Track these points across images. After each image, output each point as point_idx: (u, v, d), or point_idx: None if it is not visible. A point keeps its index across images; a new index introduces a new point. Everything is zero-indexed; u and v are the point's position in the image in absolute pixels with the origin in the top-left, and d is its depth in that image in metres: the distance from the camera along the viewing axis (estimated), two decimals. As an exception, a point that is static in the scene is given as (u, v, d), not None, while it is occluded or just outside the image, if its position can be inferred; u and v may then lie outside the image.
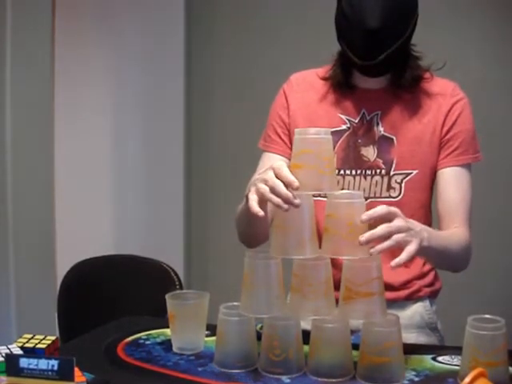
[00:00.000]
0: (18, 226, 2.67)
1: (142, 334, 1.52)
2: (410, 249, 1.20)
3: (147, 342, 1.47)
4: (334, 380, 1.24)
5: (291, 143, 1.52)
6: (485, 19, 2.95)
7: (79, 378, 1.17)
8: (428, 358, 1.34)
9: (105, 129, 3.38)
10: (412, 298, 1.56)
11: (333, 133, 1.42)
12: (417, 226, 1.25)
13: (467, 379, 1.07)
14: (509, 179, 2.99)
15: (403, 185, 1.47)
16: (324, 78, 1.54)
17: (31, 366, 1.14)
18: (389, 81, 1.49)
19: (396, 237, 1.19)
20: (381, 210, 1.21)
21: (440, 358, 1.34)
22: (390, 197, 1.48)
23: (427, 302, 1.59)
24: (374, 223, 1.20)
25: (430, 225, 1.53)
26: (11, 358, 1.16)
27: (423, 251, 1.25)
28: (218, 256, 3.43)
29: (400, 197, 1.48)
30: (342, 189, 1.49)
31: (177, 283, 1.99)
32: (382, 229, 1.18)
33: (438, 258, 1.39)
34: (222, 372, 1.29)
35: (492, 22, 2.94)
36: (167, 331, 1.53)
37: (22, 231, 2.68)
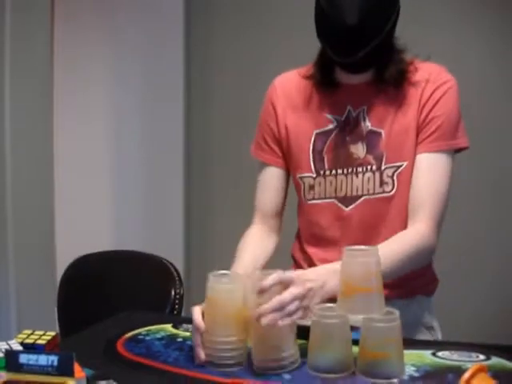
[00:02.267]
0: (18, 223, 2.67)
1: (142, 330, 1.52)
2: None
3: (147, 338, 1.47)
4: (333, 375, 1.24)
5: (282, 151, 1.57)
6: (485, 19, 2.94)
7: (79, 374, 1.17)
8: (428, 353, 1.34)
9: (104, 127, 3.38)
10: (407, 297, 1.53)
11: (321, 133, 1.48)
12: (320, 277, 1.25)
13: (466, 375, 1.07)
14: (510, 179, 2.99)
15: (395, 178, 1.45)
16: (306, 77, 1.53)
17: (31, 362, 1.14)
18: (372, 75, 1.47)
19: (288, 309, 1.18)
20: (272, 279, 1.20)
21: (440, 354, 1.34)
22: (384, 192, 1.46)
23: (423, 301, 1.59)
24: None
25: None
26: (11, 354, 1.16)
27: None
28: (217, 253, 3.43)
29: (394, 191, 1.45)
30: (335, 188, 1.47)
31: (177, 279, 1.99)
32: (273, 302, 1.18)
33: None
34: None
35: (492, 22, 2.93)
36: (167, 327, 1.53)
37: (21, 228, 2.68)
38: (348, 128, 1.48)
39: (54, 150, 3.06)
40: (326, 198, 1.50)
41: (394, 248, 1.37)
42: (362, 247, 1.25)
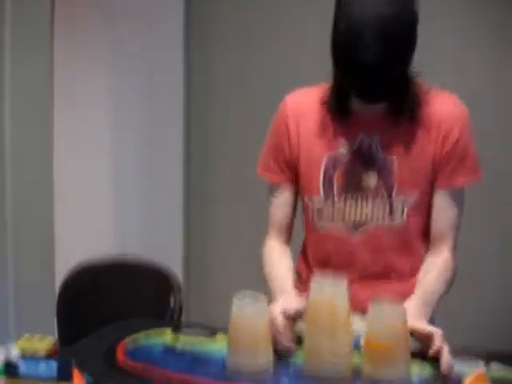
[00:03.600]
0: (18, 227, 2.67)
1: (142, 336, 1.51)
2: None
3: (146, 344, 1.46)
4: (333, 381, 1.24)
5: (293, 172, 1.55)
6: (485, 20, 2.95)
7: (78, 380, 1.17)
8: (428, 360, 1.34)
9: (104, 128, 3.38)
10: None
11: (332, 157, 1.48)
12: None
13: (467, 381, 1.07)
14: (510, 182, 2.99)
15: (405, 209, 1.47)
16: (322, 103, 1.51)
17: (30, 369, 1.14)
18: (387, 106, 1.46)
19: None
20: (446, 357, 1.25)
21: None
22: (393, 221, 1.47)
23: None
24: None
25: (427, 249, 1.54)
26: (10, 361, 1.16)
27: None
28: (217, 256, 3.43)
29: (403, 221, 1.48)
30: (344, 215, 1.48)
31: (176, 286, 1.99)
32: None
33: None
34: (222, 374, 1.29)
35: (492, 22, 2.94)
36: (166, 333, 1.53)
37: (21, 232, 2.68)
38: (360, 155, 1.47)
39: (53, 150, 3.06)
40: (333, 222, 1.50)
41: (437, 288, 1.47)
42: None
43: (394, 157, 1.46)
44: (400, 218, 1.47)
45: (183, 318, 2.00)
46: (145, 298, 2.02)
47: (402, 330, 1.23)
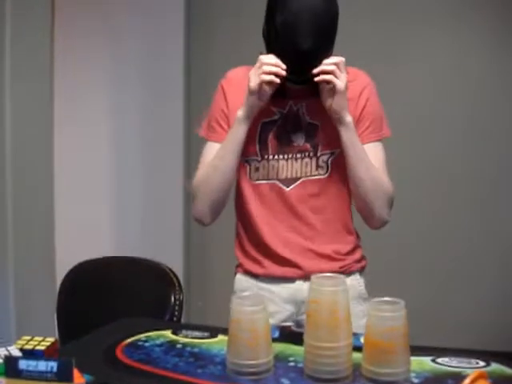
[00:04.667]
0: (18, 227, 2.67)
1: (142, 336, 1.51)
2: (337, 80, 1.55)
3: (146, 344, 1.47)
4: (332, 383, 1.24)
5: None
6: (484, 20, 2.95)
7: (78, 380, 1.17)
8: (428, 359, 1.35)
9: (104, 129, 3.39)
10: (346, 272, 1.71)
11: (267, 123, 1.70)
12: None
13: (466, 381, 1.07)
14: (510, 178, 3.00)
15: (329, 163, 1.69)
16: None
17: (30, 368, 1.14)
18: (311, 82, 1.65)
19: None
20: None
21: (439, 360, 1.34)
22: (319, 174, 1.70)
23: (358, 276, 1.77)
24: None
25: (350, 204, 1.76)
26: (10, 360, 1.16)
27: (341, 122, 1.59)
28: (217, 256, 3.43)
29: (328, 174, 1.70)
30: (277, 172, 1.69)
31: (176, 285, 1.99)
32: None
33: (355, 157, 1.62)
34: (222, 374, 1.29)
35: (491, 22, 2.94)
36: (166, 333, 1.53)
37: (21, 232, 2.68)
38: (289, 120, 1.69)
39: (54, 151, 3.06)
40: (269, 180, 1.70)
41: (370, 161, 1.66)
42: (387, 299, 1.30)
43: (319, 120, 1.69)
44: (325, 170, 1.70)
45: (183, 317, 2.00)
46: (145, 296, 2.02)
47: (401, 329, 1.23)
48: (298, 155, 1.69)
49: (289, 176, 1.69)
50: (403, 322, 1.24)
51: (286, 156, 1.69)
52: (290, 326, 1.62)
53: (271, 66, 1.57)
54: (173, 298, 1.95)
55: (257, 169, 1.71)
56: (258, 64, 1.60)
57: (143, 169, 3.41)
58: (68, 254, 2.51)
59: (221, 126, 1.74)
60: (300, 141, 1.69)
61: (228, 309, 1.30)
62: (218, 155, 1.69)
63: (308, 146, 1.69)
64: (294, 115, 1.70)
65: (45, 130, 2.93)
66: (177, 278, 2.01)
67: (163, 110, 3.36)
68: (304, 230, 1.71)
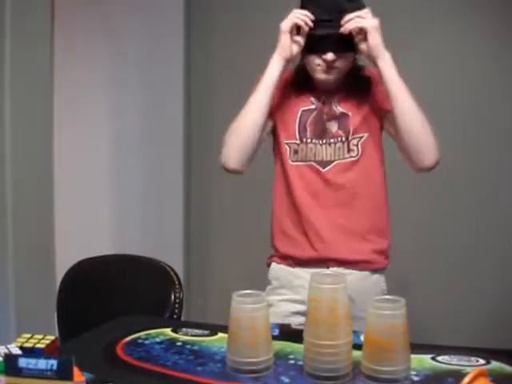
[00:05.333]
0: (18, 226, 2.67)
1: (141, 334, 1.52)
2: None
3: (146, 342, 1.47)
4: (332, 381, 1.24)
5: (274, 112, 1.88)
6: (484, 20, 2.95)
7: (78, 378, 1.17)
8: (427, 357, 1.35)
9: (104, 129, 3.38)
10: (372, 269, 1.87)
11: (306, 110, 1.86)
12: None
13: (466, 379, 1.07)
14: (510, 177, 3.00)
15: (359, 146, 1.84)
16: (291, 84, 1.88)
17: (30, 366, 1.14)
18: (341, 83, 1.85)
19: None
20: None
21: (439, 358, 1.34)
22: (351, 157, 1.84)
23: (382, 274, 1.89)
24: None
25: (385, 185, 1.89)
26: (10, 358, 1.16)
27: (380, 59, 1.71)
28: (217, 256, 3.44)
29: (358, 155, 1.84)
30: (314, 155, 1.84)
31: (176, 283, 1.99)
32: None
33: (399, 91, 1.73)
34: (222, 371, 1.30)
35: (491, 22, 2.94)
36: (166, 331, 1.53)
37: (21, 231, 2.68)
38: (325, 110, 1.85)
39: (53, 151, 3.05)
40: (307, 161, 1.85)
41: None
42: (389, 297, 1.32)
43: (349, 110, 1.85)
44: (356, 153, 1.84)
45: (183, 315, 2.00)
46: (145, 294, 2.02)
47: (401, 327, 1.23)
48: (332, 140, 1.84)
49: (324, 159, 1.84)
50: (403, 320, 1.24)
51: (321, 141, 1.84)
52: (290, 324, 1.63)
53: (302, 15, 1.73)
54: (173, 296, 1.95)
55: (296, 151, 1.86)
56: (291, 13, 1.76)
57: (143, 168, 3.41)
58: (68, 253, 2.51)
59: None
60: (333, 128, 1.84)
61: (228, 307, 1.31)
62: (252, 95, 1.83)
63: (340, 132, 1.84)
64: (328, 106, 1.85)
65: (45, 130, 2.93)
66: (177, 276, 2.01)
67: (163, 110, 3.36)
68: (339, 208, 1.84)
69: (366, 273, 1.85)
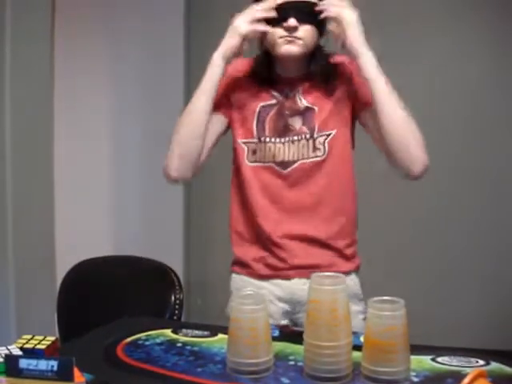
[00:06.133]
0: (18, 227, 2.67)
1: (142, 335, 1.52)
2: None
3: (146, 343, 1.47)
4: (332, 382, 1.24)
5: (228, 102, 1.75)
6: (483, 19, 2.95)
7: (79, 379, 1.18)
8: (427, 358, 1.35)
9: (104, 129, 3.38)
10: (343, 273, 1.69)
11: (264, 106, 1.71)
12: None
13: (466, 380, 1.07)
14: (509, 178, 2.99)
15: (326, 144, 1.68)
16: (252, 73, 1.74)
17: (31, 367, 1.14)
18: (305, 72, 1.70)
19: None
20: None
21: (439, 359, 1.34)
22: (317, 156, 1.69)
23: (353, 276, 1.76)
24: None
25: (353, 183, 1.74)
26: (11, 359, 1.16)
27: (361, 55, 1.56)
28: (217, 257, 3.43)
29: (325, 155, 1.69)
30: (274, 155, 1.69)
31: (176, 284, 1.99)
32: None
33: (382, 91, 1.58)
34: (222, 373, 1.30)
35: (490, 22, 2.94)
36: (166, 332, 1.53)
37: (21, 231, 2.68)
38: (287, 104, 1.70)
39: (54, 151, 3.06)
40: (265, 163, 1.71)
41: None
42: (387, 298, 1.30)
43: (315, 104, 1.69)
44: (322, 153, 1.68)
45: (183, 316, 2.00)
46: (145, 295, 2.02)
47: (401, 328, 1.23)
48: (295, 138, 1.69)
49: (285, 159, 1.69)
50: (403, 321, 1.24)
51: (282, 139, 1.69)
52: (289, 325, 1.63)
53: (261, 12, 1.61)
54: (173, 297, 1.95)
55: (254, 151, 1.71)
56: (248, 9, 1.64)
57: (143, 168, 3.41)
58: (68, 253, 2.51)
59: (221, 100, 1.74)
60: (297, 124, 1.69)
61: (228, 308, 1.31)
62: (191, 100, 1.69)
63: (305, 128, 1.69)
64: (291, 100, 1.70)
65: (45, 130, 2.93)
66: (177, 277, 2.02)
67: (163, 110, 3.35)
68: (301, 214, 1.70)
69: None
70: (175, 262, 2.52)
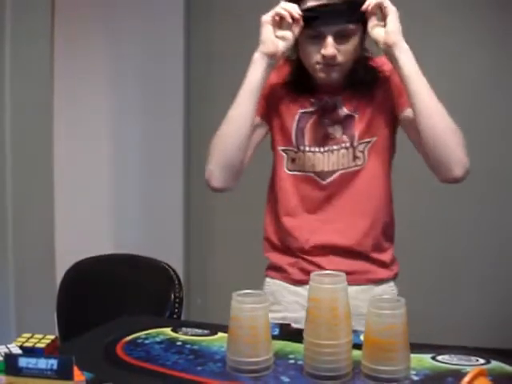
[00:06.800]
0: (18, 226, 2.67)
1: (142, 334, 1.51)
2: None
3: (146, 342, 1.47)
4: (332, 380, 1.24)
5: (269, 115, 1.70)
6: (483, 20, 2.95)
7: (78, 377, 1.17)
8: (427, 357, 1.34)
9: (104, 129, 3.39)
10: (379, 280, 1.69)
11: (304, 114, 1.65)
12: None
13: (466, 378, 1.07)
14: (509, 178, 3.00)
15: (366, 152, 1.63)
16: (287, 84, 1.67)
17: (30, 366, 1.14)
18: (344, 79, 1.63)
19: None
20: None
21: (439, 358, 1.34)
22: (356, 165, 1.64)
23: (391, 283, 1.72)
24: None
25: (390, 197, 1.69)
26: (10, 358, 1.16)
27: (399, 49, 1.49)
28: (217, 255, 3.44)
29: (364, 163, 1.64)
30: (313, 165, 1.64)
31: (176, 282, 1.99)
32: None
33: (422, 89, 1.51)
34: (222, 371, 1.29)
35: (490, 22, 2.95)
36: (166, 330, 1.53)
37: (21, 231, 2.68)
38: (326, 113, 1.64)
39: (53, 151, 3.06)
40: (305, 172, 1.66)
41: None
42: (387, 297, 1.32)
43: (356, 112, 1.63)
44: (362, 161, 1.63)
45: (183, 314, 2.00)
46: (145, 293, 2.02)
47: (401, 327, 1.23)
48: (335, 147, 1.63)
49: (325, 169, 1.64)
50: (403, 320, 1.24)
51: (322, 149, 1.64)
52: (290, 324, 1.63)
53: (288, 7, 1.52)
54: (173, 296, 1.95)
55: (293, 160, 1.66)
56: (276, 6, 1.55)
57: (143, 168, 3.41)
58: (68, 253, 2.51)
59: (261, 104, 1.67)
60: (337, 133, 1.64)
61: (228, 306, 1.30)
62: (233, 105, 1.62)
63: (345, 137, 1.63)
64: (331, 108, 1.64)
65: (45, 130, 2.93)
66: (177, 276, 2.01)
67: (163, 110, 3.36)
68: (337, 224, 1.65)
69: (367, 286, 1.66)
70: (175, 261, 2.51)
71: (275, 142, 1.70)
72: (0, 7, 2.60)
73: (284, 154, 1.67)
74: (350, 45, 1.54)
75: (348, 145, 1.63)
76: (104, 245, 2.96)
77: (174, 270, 2.04)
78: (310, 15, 1.51)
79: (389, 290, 1.69)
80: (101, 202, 3.39)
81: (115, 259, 2.19)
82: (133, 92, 3.36)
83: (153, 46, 3.32)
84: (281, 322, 1.59)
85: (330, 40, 1.51)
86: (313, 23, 1.52)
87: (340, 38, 1.52)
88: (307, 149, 1.64)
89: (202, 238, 3.47)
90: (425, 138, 1.52)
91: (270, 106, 1.68)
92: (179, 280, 2.01)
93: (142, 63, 3.34)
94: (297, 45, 1.59)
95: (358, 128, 1.63)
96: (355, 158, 1.63)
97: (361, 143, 1.63)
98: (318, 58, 1.55)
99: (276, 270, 1.73)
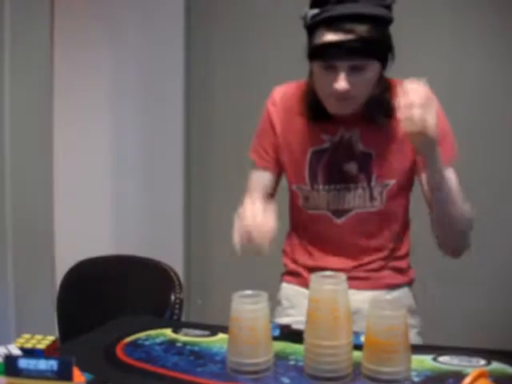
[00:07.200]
0: (18, 226, 2.67)
1: (142, 335, 1.51)
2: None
3: (146, 343, 1.47)
4: (332, 381, 1.24)
5: (279, 160, 1.65)
6: (483, 19, 2.95)
7: (78, 378, 1.17)
8: (428, 358, 1.34)
9: (104, 128, 3.38)
10: (394, 285, 1.68)
11: (316, 151, 1.58)
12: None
13: (467, 380, 1.06)
14: (509, 177, 2.99)
15: (384, 195, 1.58)
16: (301, 114, 1.59)
17: (30, 367, 1.14)
18: (362, 109, 1.53)
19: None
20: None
21: (440, 359, 1.34)
22: (373, 206, 1.58)
23: (406, 289, 1.71)
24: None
25: (408, 225, 1.70)
26: (10, 359, 1.15)
27: (428, 146, 1.35)
28: (218, 256, 3.43)
29: (382, 206, 1.58)
30: (328, 203, 1.59)
31: (176, 283, 1.99)
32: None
33: (441, 185, 1.43)
34: (222, 372, 1.29)
35: (490, 21, 2.94)
36: (166, 331, 1.53)
37: (21, 231, 2.68)
38: (341, 148, 1.57)
39: (53, 151, 3.05)
40: (319, 210, 1.61)
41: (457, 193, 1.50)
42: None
43: (373, 149, 1.56)
44: (380, 202, 1.58)
45: (183, 315, 2.00)
46: (145, 294, 2.02)
47: (402, 328, 1.23)
48: (351, 185, 1.57)
49: (340, 208, 1.59)
50: (404, 321, 1.24)
51: (337, 186, 1.58)
52: (290, 325, 1.62)
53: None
54: (173, 297, 1.94)
55: (307, 198, 1.62)
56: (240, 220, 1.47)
57: (143, 168, 3.41)
58: (68, 253, 2.51)
59: (268, 153, 1.65)
60: (353, 171, 1.57)
61: (228, 307, 1.30)
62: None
63: (362, 176, 1.56)
64: (346, 143, 1.56)
65: (44, 130, 2.93)
66: (177, 277, 2.01)
67: (163, 110, 3.36)
68: (352, 255, 1.63)
69: (381, 291, 1.65)
70: (175, 261, 2.51)
71: (288, 177, 1.66)
72: (0, 7, 2.60)
73: (298, 191, 1.63)
74: (365, 77, 1.45)
75: (365, 185, 1.57)
76: (104, 245, 2.96)
77: (174, 271, 2.03)
78: (322, 51, 1.44)
79: (402, 295, 1.68)
80: (101, 202, 3.38)
81: (115, 260, 2.19)
82: (133, 92, 3.36)
83: (153, 45, 3.32)
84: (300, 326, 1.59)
85: (342, 75, 1.42)
86: (325, 57, 1.44)
87: (354, 70, 1.43)
88: (321, 187, 1.59)
89: (202, 238, 3.46)
90: (437, 221, 1.52)
91: (280, 148, 1.63)
92: (179, 281, 2.01)
93: (142, 64, 3.34)
94: (311, 72, 1.52)
95: (375, 168, 1.56)
96: (372, 198, 1.57)
97: (378, 185, 1.57)
98: (330, 90, 1.45)
99: (292, 275, 1.73)
